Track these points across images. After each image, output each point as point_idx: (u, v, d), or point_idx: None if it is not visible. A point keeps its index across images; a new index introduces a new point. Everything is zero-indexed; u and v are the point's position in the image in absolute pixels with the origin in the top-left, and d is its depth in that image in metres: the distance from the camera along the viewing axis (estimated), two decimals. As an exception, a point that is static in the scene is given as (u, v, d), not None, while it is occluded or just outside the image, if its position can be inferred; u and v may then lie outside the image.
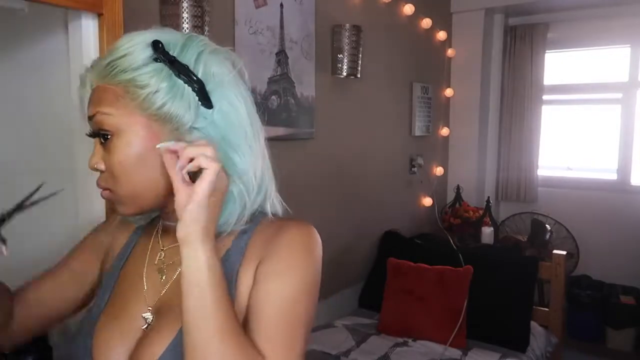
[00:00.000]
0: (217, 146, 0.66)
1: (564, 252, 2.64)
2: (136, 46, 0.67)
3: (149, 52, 0.66)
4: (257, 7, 2.04)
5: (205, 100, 0.67)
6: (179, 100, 0.66)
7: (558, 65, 3.85)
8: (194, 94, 0.67)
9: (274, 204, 0.76)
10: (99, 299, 0.78)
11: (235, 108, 0.70)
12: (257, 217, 0.74)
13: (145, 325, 0.72)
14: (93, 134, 0.70)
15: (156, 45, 0.66)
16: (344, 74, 2.44)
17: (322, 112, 2.43)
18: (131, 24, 1.38)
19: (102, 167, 0.69)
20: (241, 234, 0.73)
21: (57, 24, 1.40)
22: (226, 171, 0.67)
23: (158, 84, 0.65)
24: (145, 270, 0.76)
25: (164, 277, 0.75)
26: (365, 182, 2.83)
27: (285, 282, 0.68)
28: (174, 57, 0.67)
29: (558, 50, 3.82)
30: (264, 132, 0.75)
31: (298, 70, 2.26)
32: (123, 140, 0.67)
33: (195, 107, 0.67)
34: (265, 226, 0.73)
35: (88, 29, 1.32)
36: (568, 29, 3.73)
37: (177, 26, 1.57)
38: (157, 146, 0.65)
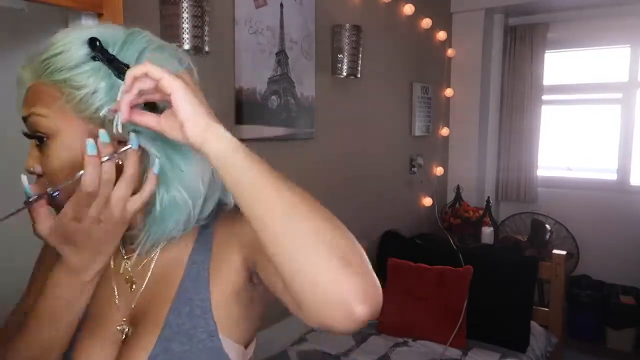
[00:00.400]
0: (160, 151, 0.63)
1: (564, 252, 2.64)
2: (72, 43, 0.62)
3: (85, 49, 0.61)
4: (257, 7, 2.04)
5: (147, 101, 0.61)
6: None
7: (558, 65, 3.86)
8: None
9: (230, 199, 0.71)
10: None
11: None
12: (217, 210, 0.71)
13: (123, 337, 0.70)
14: (28, 136, 0.65)
15: (93, 42, 0.61)
16: (344, 74, 2.44)
17: (322, 112, 2.43)
18: (131, 24, 1.37)
19: (38, 170, 0.65)
20: (202, 230, 0.71)
21: (57, 24, 1.40)
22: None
23: (96, 84, 0.61)
24: (113, 280, 0.73)
25: (133, 287, 0.72)
26: (365, 182, 2.83)
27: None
28: (113, 55, 0.61)
29: (558, 50, 3.82)
30: None
31: (298, 70, 2.26)
32: (59, 143, 0.62)
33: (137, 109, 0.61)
34: (224, 216, 0.71)
35: (88, 29, 1.32)
36: (568, 29, 3.73)
37: (177, 26, 1.58)
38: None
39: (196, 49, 1.61)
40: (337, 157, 2.58)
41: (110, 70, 0.61)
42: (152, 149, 0.63)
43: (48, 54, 0.63)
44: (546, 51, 3.74)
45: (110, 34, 0.64)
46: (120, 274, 0.73)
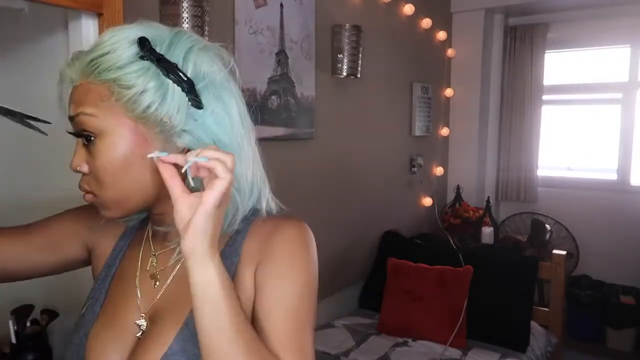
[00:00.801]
0: (208, 144, 0.63)
1: (564, 252, 2.64)
2: (121, 42, 0.63)
3: (134, 49, 0.62)
4: (257, 7, 2.04)
5: (196, 100, 0.63)
6: (167, 101, 0.62)
7: (558, 65, 3.85)
8: (184, 94, 0.63)
9: (269, 203, 0.73)
10: (91, 306, 0.75)
11: (227, 108, 0.66)
12: (250, 217, 0.72)
13: (140, 333, 0.70)
14: (75, 134, 0.66)
15: (143, 42, 0.62)
16: (344, 74, 2.44)
17: (322, 112, 2.43)
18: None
19: (85, 169, 0.66)
20: (235, 234, 0.71)
21: (57, 24, 1.40)
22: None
23: (145, 84, 0.61)
24: (138, 276, 0.74)
25: (157, 284, 0.72)
26: (365, 182, 2.83)
27: (288, 285, 0.66)
28: (162, 54, 0.62)
29: (558, 50, 3.82)
30: (255, 132, 0.72)
31: (298, 70, 2.26)
32: (108, 143, 0.63)
33: (185, 108, 0.63)
34: (259, 226, 0.71)
35: (88, 29, 1.32)
36: (568, 29, 3.73)
37: (176, 26, 1.57)
38: (149, 156, 0.60)
39: (196, 49, 1.61)
40: (337, 157, 2.58)
41: (158, 70, 0.62)
42: (192, 143, 0.64)
43: (96, 54, 0.63)
44: (546, 51, 3.74)
45: (156, 34, 0.65)
46: (146, 270, 0.74)
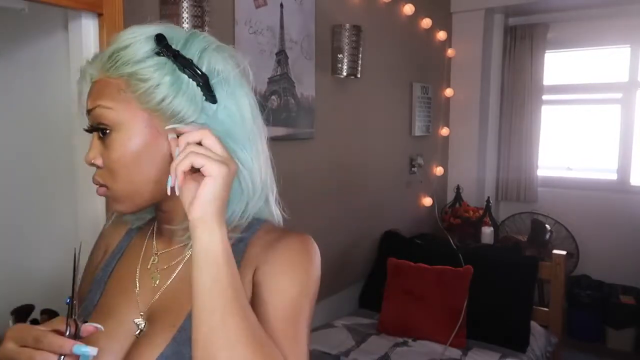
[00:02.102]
0: (222, 141, 0.65)
1: (564, 252, 2.64)
2: (139, 38, 0.65)
3: (151, 45, 0.64)
4: (257, 7, 2.04)
5: (210, 95, 0.65)
6: (182, 95, 0.64)
7: (558, 65, 3.85)
8: (198, 89, 0.65)
9: (273, 211, 0.74)
10: (88, 300, 0.75)
11: (239, 105, 0.68)
12: (254, 225, 0.72)
13: (138, 332, 0.69)
14: (91, 128, 0.67)
15: (160, 38, 0.64)
16: (344, 74, 2.44)
17: (322, 112, 2.43)
18: (131, 24, 1.37)
19: (99, 162, 0.67)
20: (237, 242, 0.70)
21: (57, 24, 1.40)
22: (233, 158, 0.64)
23: (161, 78, 0.63)
24: (138, 273, 0.74)
25: (157, 283, 0.72)
26: (365, 182, 2.83)
27: (289, 280, 0.66)
28: (177, 51, 0.64)
29: (558, 50, 3.82)
30: (266, 133, 0.74)
31: (298, 70, 2.26)
32: (123, 135, 0.65)
33: (199, 102, 0.65)
34: (263, 235, 0.71)
35: (88, 29, 1.32)
36: (568, 29, 3.73)
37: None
38: (166, 128, 0.64)
39: (196, 49, 1.61)
40: (337, 157, 2.58)
41: (174, 66, 0.64)
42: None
43: (115, 47, 0.65)
44: (546, 51, 3.74)
45: (173, 32, 0.67)
46: (147, 268, 0.74)
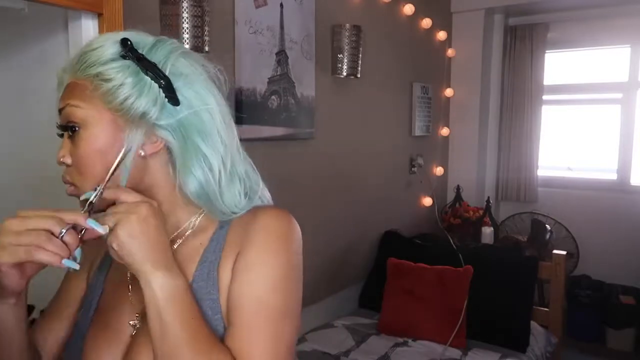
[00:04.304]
0: (186, 141, 0.68)
1: (564, 252, 2.64)
2: (106, 42, 0.68)
3: (117, 48, 0.67)
4: (257, 7, 2.04)
5: (172, 97, 0.67)
6: (144, 96, 0.66)
7: (558, 65, 3.85)
8: (160, 91, 0.67)
9: (262, 198, 0.76)
10: (85, 310, 0.78)
11: (206, 105, 0.70)
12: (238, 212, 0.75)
13: (134, 332, 0.72)
14: (61, 127, 0.70)
15: (124, 42, 0.67)
16: (344, 74, 2.44)
17: (322, 112, 2.43)
18: (131, 24, 1.37)
19: (68, 160, 0.69)
20: (219, 229, 0.73)
21: (57, 24, 1.40)
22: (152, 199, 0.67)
23: (124, 79, 0.66)
24: (129, 276, 0.75)
25: None
26: (365, 182, 2.83)
27: (258, 275, 0.67)
28: (142, 54, 0.67)
29: (558, 50, 3.81)
30: (236, 134, 0.75)
31: (298, 70, 2.26)
32: (89, 132, 0.67)
33: (161, 104, 0.67)
34: (241, 216, 0.73)
35: (88, 29, 1.32)
36: (568, 29, 3.73)
37: (177, 26, 1.58)
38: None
39: (196, 49, 1.61)
40: (337, 157, 2.58)
41: (138, 68, 0.67)
42: (170, 137, 0.69)
43: (85, 50, 0.69)
44: (546, 51, 3.74)
45: (141, 37, 0.70)
46: None
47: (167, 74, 0.67)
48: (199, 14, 1.60)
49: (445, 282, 2.44)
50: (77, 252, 0.62)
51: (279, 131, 2.16)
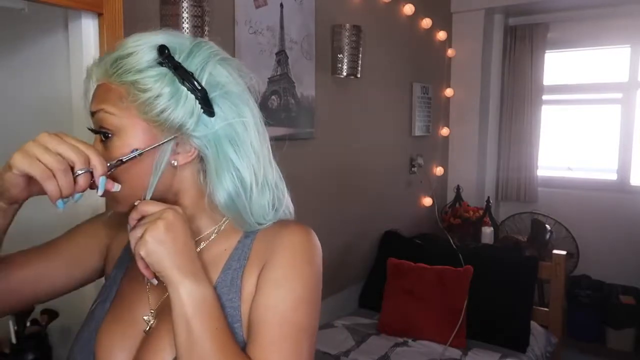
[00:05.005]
0: (218, 152, 0.68)
1: (564, 252, 2.64)
2: (142, 46, 0.66)
3: (154, 54, 0.66)
4: (257, 7, 2.04)
5: (208, 108, 0.66)
6: (180, 107, 0.65)
7: (558, 65, 3.85)
8: (197, 102, 0.66)
9: (285, 210, 0.76)
10: (101, 303, 0.77)
11: (242, 117, 0.70)
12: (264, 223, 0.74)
13: (147, 328, 0.71)
14: (95, 131, 0.69)
15: (162, 49, 0.65)
16: (344, 74, 2.44)
17: (322, 112, 2.43)
18: (131, 23, 1.38)
19: None
20: (244, 237, 0.73)
21: (57, 24, 1.40)
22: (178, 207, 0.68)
23: (160, 89, 0.65)
24: None
25: None
26: (365, 182, 2.83)
27: (283, 292, 0.67)
28: (179, 62, 0.66)
29: (558, 50, 3.82)
30: (268, 143, 0.76)
31: (298, 70, 2.26)
32: (123, 141, 0.66)
33: (197, 115, 0.66)
34: (267, 228, 0.73)
35: (88, 29, 1.32)
36: (568, 29, 3.73)
37: (177, 26, 1.57)
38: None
39: (196, 49, 1.61)
40: (337, 157, 2.58)
41: (175, 77, 0.65)
42: (203, 148, 0.68)
43: (118, 54, 0.67)
44: (546, 51, 3.74)
45: (177, 42, 0.68)
46: None
47: (203, 83, 0.66)
48: (199, 14, 1.60)
49: (445, 282, 2.44)
50: (77, 196, 0.62)
51: (279, 131, 2.17)
